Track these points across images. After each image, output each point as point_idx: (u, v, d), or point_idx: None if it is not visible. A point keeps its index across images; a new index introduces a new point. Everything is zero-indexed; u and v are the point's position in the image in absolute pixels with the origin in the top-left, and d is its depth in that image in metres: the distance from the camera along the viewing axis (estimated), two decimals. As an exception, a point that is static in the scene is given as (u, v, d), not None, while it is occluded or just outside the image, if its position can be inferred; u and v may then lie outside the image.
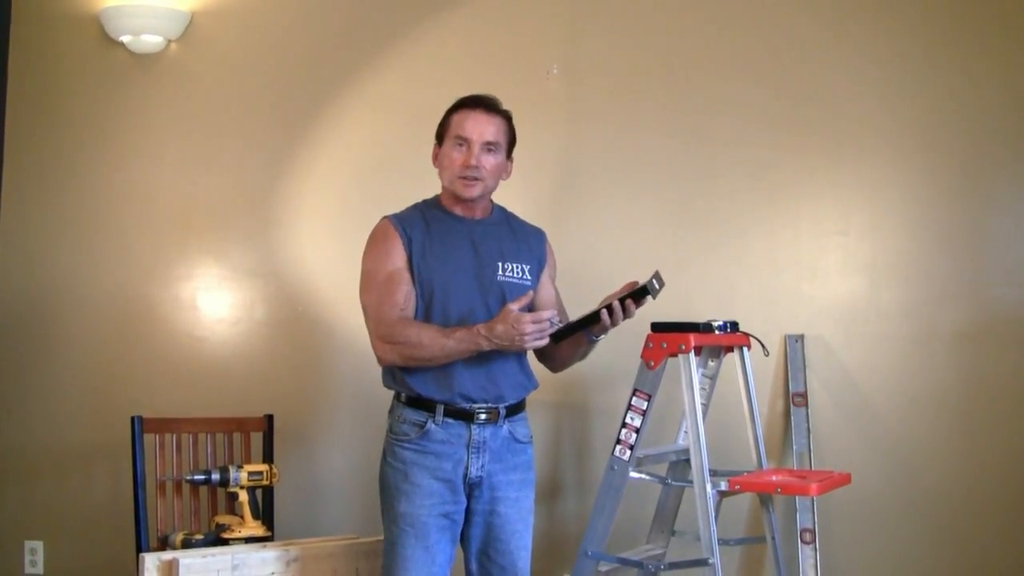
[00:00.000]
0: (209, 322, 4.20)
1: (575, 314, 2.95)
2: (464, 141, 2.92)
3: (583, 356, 3.07)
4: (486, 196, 3.00)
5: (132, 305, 4.23)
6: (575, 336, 2.90)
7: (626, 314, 2.86)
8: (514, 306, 2.80)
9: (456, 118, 2.94)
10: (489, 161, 2.93)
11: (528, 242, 3.06)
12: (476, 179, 2.92)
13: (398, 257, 2.92)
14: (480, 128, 2.92)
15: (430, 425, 2.90)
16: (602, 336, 2.95)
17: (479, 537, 2.97)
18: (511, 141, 3.01)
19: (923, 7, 3.55)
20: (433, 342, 2.83)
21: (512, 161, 3.04)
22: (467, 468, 2.91)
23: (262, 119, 4.16)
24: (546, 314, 2.79)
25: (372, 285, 2.93)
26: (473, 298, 2.92)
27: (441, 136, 2.97)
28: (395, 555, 2.90)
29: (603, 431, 3.71)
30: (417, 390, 2.90)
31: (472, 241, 2.96)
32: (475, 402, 2.90)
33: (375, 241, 2.97)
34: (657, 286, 2.83)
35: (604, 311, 2.84)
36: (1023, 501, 3.43)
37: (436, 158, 3.00)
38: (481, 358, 2.88)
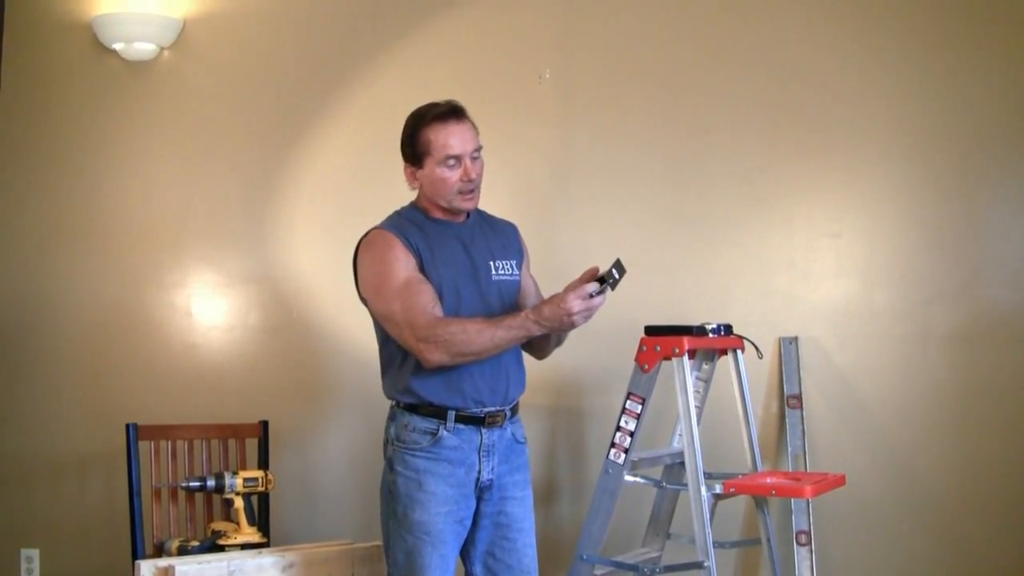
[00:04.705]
0: (203, 328, 4.20)
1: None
2: (455, 158, 2.83)
3: (559, 342, 3.00)
4: None
5: (126, 312, 4.23)
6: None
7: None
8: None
9: (435, 136, 2.82)
10: (478, 167, 2.89)
11: (507, 236, 3.03)
12: (473, 189, 2.89)
13: (409, 264, 2.81)
14: (463, 140, 2.84)
15: (442, 432, 2.84)
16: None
17: (485, 539, 2.93)
18: None
19: (915, 9, 3.56)
20: (481, 334, 2.73)
21: None
22: (479, 472, 2.87)
23: (255, 125, 4.16)
24: (590, 287, 2.69)
25: (389, 293, 2.80)
26: (475, 301, 2.87)
27: (419, 157, 2.85)
28: (413, 565, 2.83)
29: (598, 434, 3.71)
30: (429, 398, 2.83)
31: (463, 245, 2.92)
32: (486, 405, 2.87)
33: (376, 251, 2.84)
34: (617, 275, 2.71)
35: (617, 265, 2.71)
36: (1018, 501, 3.44)
37: (415, 178, 2.89)
38: (497, 356, 2.83)
